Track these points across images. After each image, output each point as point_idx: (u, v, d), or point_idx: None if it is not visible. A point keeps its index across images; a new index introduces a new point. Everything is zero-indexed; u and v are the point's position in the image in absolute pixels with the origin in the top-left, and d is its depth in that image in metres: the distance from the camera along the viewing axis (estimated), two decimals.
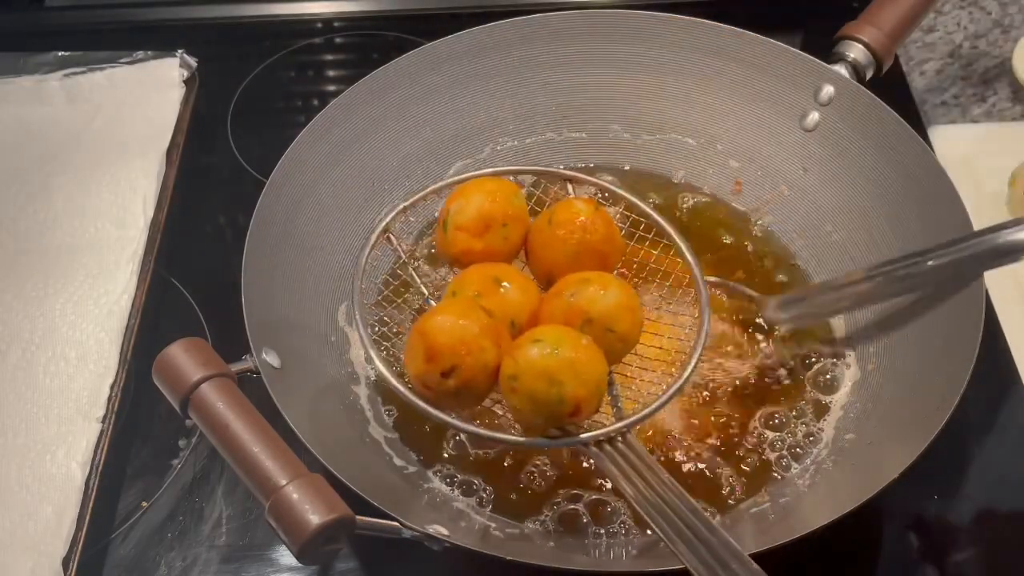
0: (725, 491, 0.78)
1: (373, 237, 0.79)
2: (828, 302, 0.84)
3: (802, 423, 0.82)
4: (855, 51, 0.91)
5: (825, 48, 0.93)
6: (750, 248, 0.93)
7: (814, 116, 0.92)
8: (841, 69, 0.91)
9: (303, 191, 0.87)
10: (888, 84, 0.94)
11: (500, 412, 0.74)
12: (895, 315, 0.83)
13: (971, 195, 0.88)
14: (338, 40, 1.19)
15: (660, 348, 0.80)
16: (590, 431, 0.71)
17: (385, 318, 0.82)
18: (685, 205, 0.96)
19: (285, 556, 0.81)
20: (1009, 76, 1.11)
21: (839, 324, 0.87)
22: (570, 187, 0.84)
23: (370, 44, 1.18)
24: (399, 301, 0.85)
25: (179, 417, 0.66)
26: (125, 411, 0.87)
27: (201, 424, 0.64)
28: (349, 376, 0.84)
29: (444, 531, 0.66)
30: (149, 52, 1.08)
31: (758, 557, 0.63)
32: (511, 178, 0.81)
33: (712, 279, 0.86)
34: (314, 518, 0.58)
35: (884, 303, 0.83)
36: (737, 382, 0.83)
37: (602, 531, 0.76)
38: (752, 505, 0.78)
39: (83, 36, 1.16)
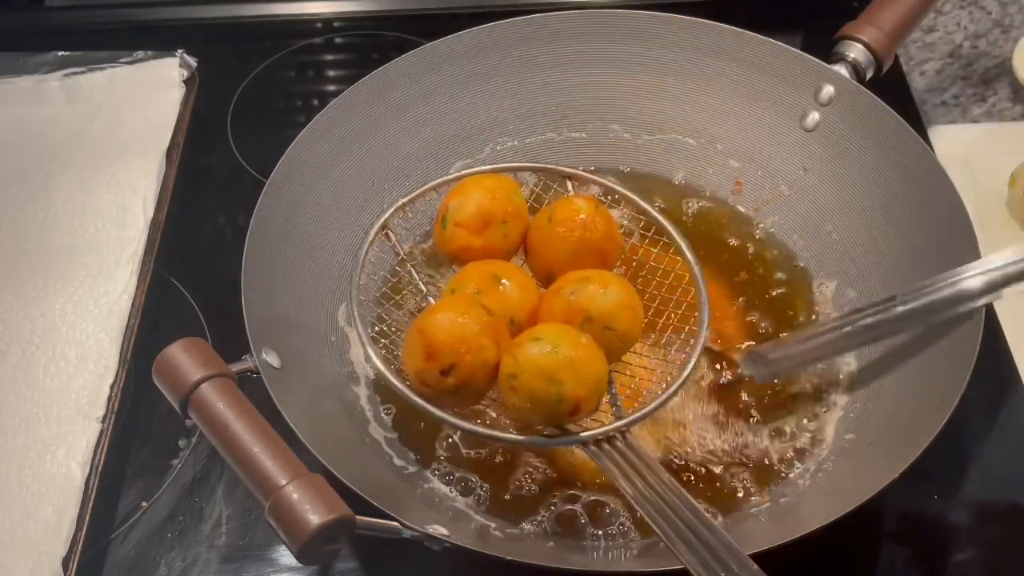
0: (726, 491, 0.78)
1: (371, 233, 0.79)
2: (797, 355, 0.82)
3: (802, 423, 0.82)
4: (855, 51, 0.91)
5: (825, 48, 0.93)
6: (751, 250, 0.93)
7: (814, 116, 0.92)
8: (841, 69, 0.91)
9: (303, 191, 0.87)
10: (888, 84, 0.94)
11: (494, 414, 0.74)
12: None
13: (971, 195, 0.88)
14: (338, 40, 1.19)
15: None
16: (589, 430, 0.71)
17: (383, 315, 0.82)
18: (690, 209, 0.95)
19: (285, 556, 0.80)
20: (1009, 76, 1.11)
21: None
22: (569, 185, 0.84)
23: (370, 44, 1.18)
24: (397, 298, 0.85)
25: (179, 417, 0.66)
26: (125, 411, 0.87)
27: (201, 424, 0.64)
28: (349, 376, 0.84)
29: (444, 531, 0.66)
30: (149, 52, 1.08)
31: (758, 557, 0.63)
32: (511, 175, 0.81)
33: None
34: (314, 518, 0.58)
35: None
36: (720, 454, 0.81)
37: (600, 532, 0.76)
38: (752, 505, 0.78)
39: (83, 36, 1.16)
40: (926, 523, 0.82)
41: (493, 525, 0.76)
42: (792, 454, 0.80)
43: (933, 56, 1.15)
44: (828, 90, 0.91)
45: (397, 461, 0.80)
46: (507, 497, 0.78)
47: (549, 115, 0.98)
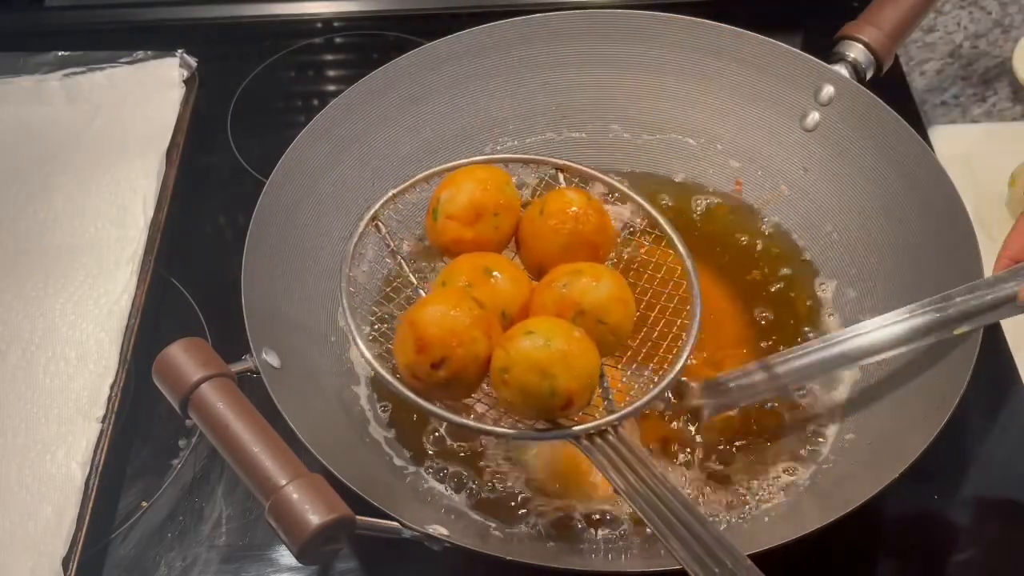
0: (726, 491, 0.78)
1: (362, 225, 0.77)
2: (750, 386, 0.81)
3: (802, 423, 0.82)
4: (855, 51, 0.92)
5: (825, 48, 0.93)
6: (760, 246, 0.93)
7: (814, 116, 0.92)
8: (841, 69, 0.91)
9: (303, 191, 0.87)
10: (888, 84, 0.94)
11: (480, 410, 0.73)
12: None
13: (971, 195, 0.88)
14: (338, 40, 1.19)
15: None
16: (581, 424, 0.71)
17: (374, 308, 0.82)
18: (698, 207, 0.95)
19: (285, 556, 0.80)
20: (1009, 76, 1.11)
21: (837, 324, 0.87)
22: (561, 177, 0.83)
23: (370, 44, 1.18)
24: (398, 299, 0.85)
25: (179, 417, 0.66)
26: (125, 411, 0.87)
27: (201, 424, 0.64)
28: (349, 376, 0.84)
29: (444, 531, 0.66)
30: (149, 52, 1.08)
31: (758, 557, 0.63)
32: (503, 166, 0.80)
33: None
34: (314, 518, 0.58)
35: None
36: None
37: (600, 533, 0.76)
38: (753, 505, 0.78)
39: (83, 36, 1.16)
40: (926, 523, 0.82)
41: (493, 525, 0.77)
42: (792, 454, 0.80)
43: (933, 56, 1.15)
44: (828, 90, 0.91)
45: (397, 461, 0.80)
46: (489, 496, 0.78)
47: (549, 115, 0.98)
